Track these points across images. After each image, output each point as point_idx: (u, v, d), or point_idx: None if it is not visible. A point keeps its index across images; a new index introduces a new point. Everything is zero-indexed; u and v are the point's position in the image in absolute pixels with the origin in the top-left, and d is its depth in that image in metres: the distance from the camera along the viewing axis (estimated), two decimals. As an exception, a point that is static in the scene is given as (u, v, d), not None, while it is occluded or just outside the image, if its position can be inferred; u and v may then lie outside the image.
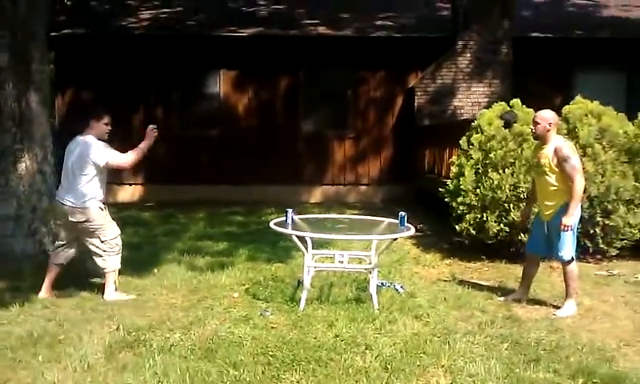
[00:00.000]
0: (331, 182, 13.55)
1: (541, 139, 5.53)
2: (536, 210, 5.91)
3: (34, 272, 6.46)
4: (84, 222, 5.61)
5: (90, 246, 5.70)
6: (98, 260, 5.73)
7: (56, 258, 5.86)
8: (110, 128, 5.80)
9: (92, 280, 6.07)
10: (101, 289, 5.83)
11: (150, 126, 5.80)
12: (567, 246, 5.39)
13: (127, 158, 5.75)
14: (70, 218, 5.62)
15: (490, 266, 7.19)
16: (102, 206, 5.68)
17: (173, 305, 5.62)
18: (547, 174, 5.42)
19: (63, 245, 5.82)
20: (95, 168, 5.59)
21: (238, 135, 13.34)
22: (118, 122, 12.83)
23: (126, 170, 5.71)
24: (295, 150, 13.42)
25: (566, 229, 5.27)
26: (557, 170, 5.35)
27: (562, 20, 14.11)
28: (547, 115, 5.48)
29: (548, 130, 5.42)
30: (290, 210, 5.77)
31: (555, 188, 5.39)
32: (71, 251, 5.84)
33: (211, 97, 13.49)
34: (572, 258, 5.43)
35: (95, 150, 5.57)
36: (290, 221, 5.71)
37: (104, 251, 5.69)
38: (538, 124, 5.45)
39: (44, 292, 5.77)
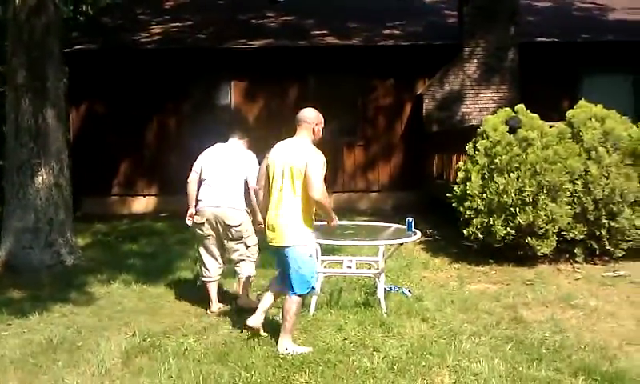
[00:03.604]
0: (342, 190, 13.67)
1: None
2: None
3: (52, 282, 6.68)
4: (239, 225, 5.74)
5: (235, 253, 5.81)
6: (241, 265, 5.84)
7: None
8: None
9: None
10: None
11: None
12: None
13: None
14: (227, 222, 5.70)
15: (498, 269, 7.28)
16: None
17: (187, 311, 5.80)
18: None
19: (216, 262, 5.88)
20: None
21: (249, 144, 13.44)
22: (131, 134, 13.31)
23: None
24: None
25: None
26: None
27: (567, 24, 14.17)
28: None
29: None
30: None
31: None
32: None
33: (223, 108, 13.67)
34: None
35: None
36: None
37: (247, 257, 5.82)
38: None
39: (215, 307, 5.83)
